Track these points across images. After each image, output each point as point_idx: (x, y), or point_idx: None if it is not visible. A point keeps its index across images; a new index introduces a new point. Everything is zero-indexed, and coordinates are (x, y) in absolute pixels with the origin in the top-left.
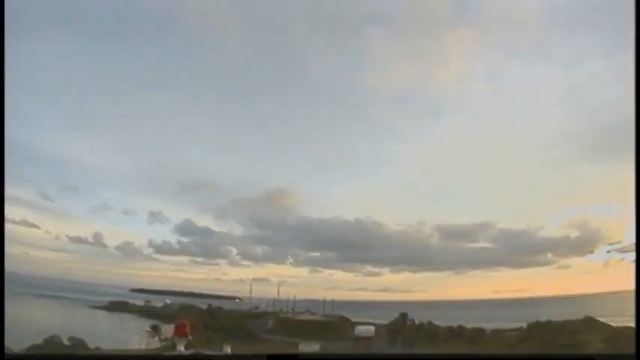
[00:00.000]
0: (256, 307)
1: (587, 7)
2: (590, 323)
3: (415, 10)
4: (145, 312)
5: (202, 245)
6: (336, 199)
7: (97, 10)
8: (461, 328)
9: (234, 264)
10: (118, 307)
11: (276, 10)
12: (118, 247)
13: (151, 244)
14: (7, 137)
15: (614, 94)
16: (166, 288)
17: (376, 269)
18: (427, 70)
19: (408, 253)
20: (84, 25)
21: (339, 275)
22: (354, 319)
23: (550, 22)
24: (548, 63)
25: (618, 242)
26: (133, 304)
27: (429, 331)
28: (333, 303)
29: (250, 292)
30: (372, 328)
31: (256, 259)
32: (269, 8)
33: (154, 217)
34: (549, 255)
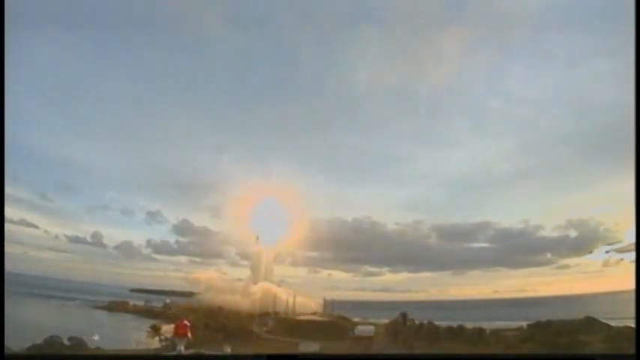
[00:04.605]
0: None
1: (587, 7)
2: (590, 323)
3: (411, 9)
4: (145, 312)
5: (201, 245)
6: (334, 198)
7: (98, 10)
8: (461, 328)
9: (233, 264)
10: (117, 307)
11: (272, 11)
12: (116, 247)
13: (149, 244)
14: (6, 137)
15: (614, 95)
16: (166, 288)
17: (375, 269)
18: (423, 70)
19: (407, 253)
20: (85, 25)
21: (337, 275)
22: (354, 319)
23: (549, 22)
24: (548, 63)
25: (617, 242)
26: (133, 304)
27: (429, 331)
28: (333, 303)
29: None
30: (372, 327)
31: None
32: (265, 10)
33: (153, 217)
34: (548, 255)
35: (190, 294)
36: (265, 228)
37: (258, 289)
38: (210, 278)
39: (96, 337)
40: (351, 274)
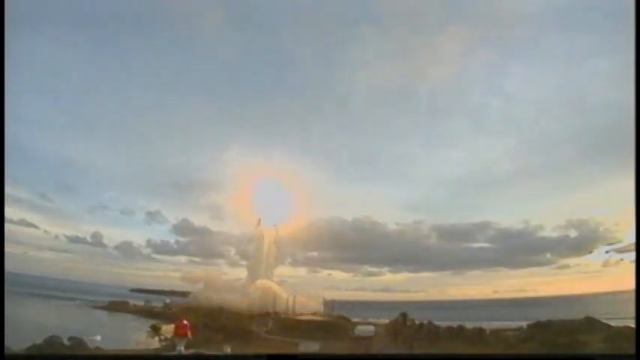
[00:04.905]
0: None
1: (587, 7)
2: (590, 323)
3: (412, 9)
4: (145, 312)
5: (201, 245)
6: (333, 198)
7: (98, 10)
8: (461, 328)
9: (232, 264)
10: (117, 307)
11: (268, 11)
12: (116, 247)
13: (149, 244)
14: (6, 137)
15: (613, 95)
16: (166, 288)
17: (375, 269)
18: (422, 69)
19: (407, 253)
20: (85, 25)
21: (337, 275)
22: (354, 319)
23: (549, 22)
24: (547, 63)
25: (617, 242)
26: (133, 304)
27: (429, 331)
28: (333, 303)
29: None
30: (372, 327)
31: None
32: (261, 9)
33: (152, 217)
34: (548, 255)
35: (190, 293)
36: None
37: (258, 288)
38: (208, 276)
39: (98, 338)
40: (351, 274)
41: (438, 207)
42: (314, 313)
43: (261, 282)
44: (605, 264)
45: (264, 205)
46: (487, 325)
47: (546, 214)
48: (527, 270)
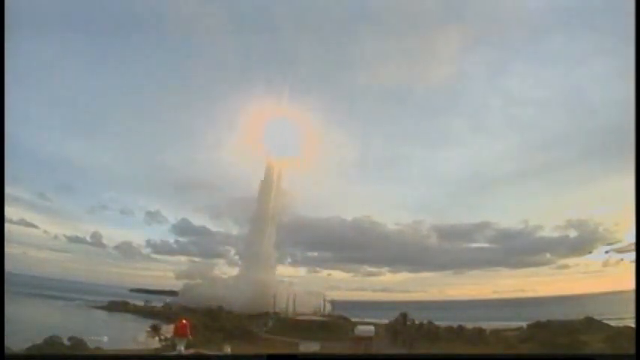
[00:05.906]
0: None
1: (587, 7)
2: (590, 323)
3: (410, 7)
4: (145, 312)
5: (200, 245)
6: (333, 198)
7: (97, 10)
8: (461, 328)
9: (232, 264)
10: (117, 307)
11: (266, 10)
12: (116, 247)
13: (149, 244)
14: (6, 137)
15: (614, 95)
16: (166, 288)
17: (375, 269)
18: (421, 69)
19: (407, 253)
20: (85, 26)
21: (337, 275)
22: (353, 319)
23: (549, 22)
24: (547, 63)
25: (617, 242)
26: (133, 305)
27: (429, 331)
28: (333, 303)
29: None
30: (372, 327)
31: None
32: (259, 9)
33: (152, 216)
34: (548, 255)
35: (184, 290)
36: None
37: (258, 286)
38: (206, 274)
39: (105, 339)
40: (351, 274)
41: (438, 207)
42: (314, 313)
43: (261, 281)
44: (605, 264)
45: (265, 203)
46: (487, 325)
47: (546, 214)
48: (527, 270)
